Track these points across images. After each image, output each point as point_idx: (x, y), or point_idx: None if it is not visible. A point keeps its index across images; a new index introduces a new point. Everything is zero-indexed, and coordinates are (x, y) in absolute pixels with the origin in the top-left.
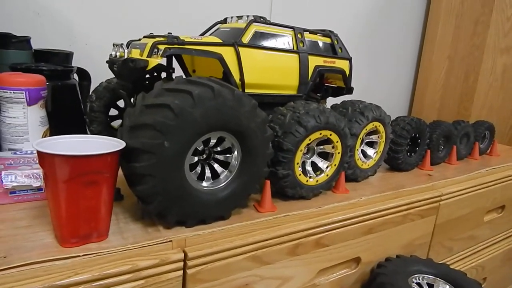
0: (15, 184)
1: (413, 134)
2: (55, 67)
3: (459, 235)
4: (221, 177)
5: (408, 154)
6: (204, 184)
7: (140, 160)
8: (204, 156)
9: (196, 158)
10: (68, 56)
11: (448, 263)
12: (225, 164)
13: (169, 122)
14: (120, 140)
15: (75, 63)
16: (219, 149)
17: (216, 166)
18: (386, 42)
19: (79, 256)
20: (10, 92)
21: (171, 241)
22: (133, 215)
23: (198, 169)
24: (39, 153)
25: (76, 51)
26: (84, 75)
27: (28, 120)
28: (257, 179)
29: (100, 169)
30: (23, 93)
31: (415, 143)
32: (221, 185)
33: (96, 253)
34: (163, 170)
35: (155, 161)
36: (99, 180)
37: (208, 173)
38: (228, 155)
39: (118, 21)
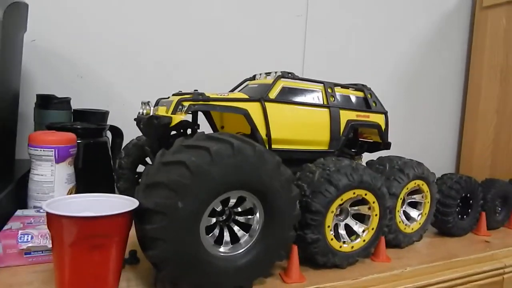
0: (30, 244)
1: (463, 194)
2: (88, 126)
3: None
4: (241, 241)
5: (460, 216)
6: (222, 249)
7: (152, 222)
8: (224, 217)
9: (213, 220)
10: (104, 115)
11: None
12: (246, 227)
13: (184, 181)
14: (135, 200)
15: (114, 122)
16: (239, 209)
17: (236, 228)
18: (425, 96)
19: None
20: (40, 150)
21: None
22: (146, 282)
23: (216, 231)
24: (47, 214)
25: (114, 110)
26: (117, 132)
27: (55, 178)
28: (283, 245)
29: (109, 232)
30: (52, 151)
31: (467, 204)
32: (241, 251)
33: None
34: (176, 234)
35: (167, 223)
36: (107, 244)
37: (227, 237)
38: (250, 217)
39: (154, 82)
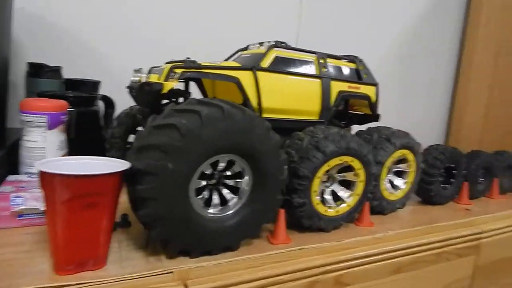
0: (23, 207)
1: (447, 164)
2: (79, 94)
3: (505, 280)
4: (230, 203)
5: (443, 186)
6: (211, 210)
7: (143, 182)
8: (214, 181)
9: (203, 182)
10: (95, 84)
11: None
12: (235, 190)
13: (175, 143)
14: (126, 162)
15: (108, 93)
16: (229, 173)
17: (225, 191)
18: (419, 70)
19: (70, 285)
20: (32, 116)
21: (172, 272)
22: (138, 243)
23: (206, 194)
24: (40, 173)
25: (106, 81)
26: (109, 102)
27: (47, 144)
28: (270, 208)
29: (100, 191)
30: (44, 117)
31: (450, 174)
32: (229, 212)
33: (90, 282)
34: (166, 194)
35: (158, 183)
36: (99, 203)
37: (216, 199)
38: (238, 180)
39: (146, 52)
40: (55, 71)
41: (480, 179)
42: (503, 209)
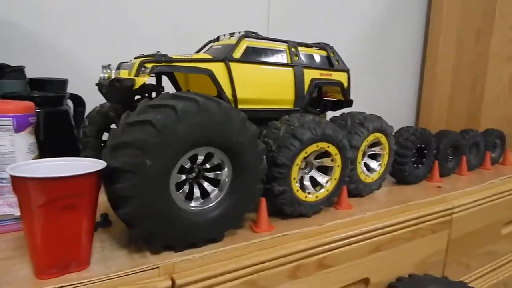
0: None
1: (418, 145)
2: (46, 94)
3: (476, 251)
4: (211, 196)
5: (415, 166)
6: (193, 204)
7: (121, 181)
8: (194, 174)
9: (183, 177)
10: (63, 83)
11: (466, 281)
12: (216, 182)
13: (151, 139)
14: (102, 161)
15: (75, 90)
16: (208, 166)
17: (205, 184)
18: (388, 56)
19: None
20: None
21: (157, 267)
22: (120, 241)
23: (186, 188)
24: (11, 177)
25: (76, 78)
26: (78, 101)
27: (15, 148)
28: (251, 197)
29: (78, 192)
30: (10, 120)
31: (422, 154)
32: (211, 205)
33: (75, 284)
34: (146, 191)
35: (137, 181)
36: (77, 204)
37: (197, 192)
38: (218, 172)
39: (117, 47)
40: (18, 71)
41: (449, 157)
42: (472, 185)
